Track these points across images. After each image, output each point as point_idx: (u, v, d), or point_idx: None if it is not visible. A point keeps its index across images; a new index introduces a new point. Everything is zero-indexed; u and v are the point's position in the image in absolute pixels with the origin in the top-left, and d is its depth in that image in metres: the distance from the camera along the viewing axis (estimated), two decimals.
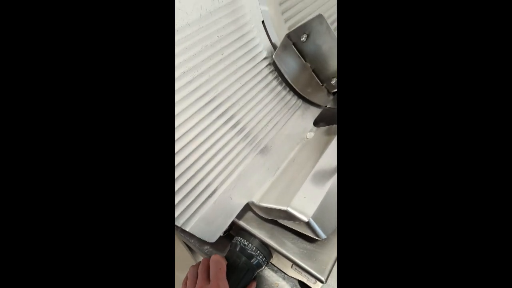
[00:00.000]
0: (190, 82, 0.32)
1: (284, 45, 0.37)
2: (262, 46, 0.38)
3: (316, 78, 0.43)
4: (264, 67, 0.38)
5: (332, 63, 0.40)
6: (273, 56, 0.36)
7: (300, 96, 0.43)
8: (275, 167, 0.39)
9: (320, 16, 0.35)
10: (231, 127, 0.35)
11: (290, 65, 0.39)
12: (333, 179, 0.31)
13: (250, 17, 0.36)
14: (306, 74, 0.42)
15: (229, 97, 0.35)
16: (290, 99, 0.42)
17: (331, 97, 0.45)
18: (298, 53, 0.39)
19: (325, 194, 0.30)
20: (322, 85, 0.43)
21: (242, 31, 0.36)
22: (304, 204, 0.30)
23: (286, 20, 0.39)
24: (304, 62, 0.41)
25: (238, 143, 0.36)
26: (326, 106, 0.45)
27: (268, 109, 0.39)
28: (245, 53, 0.36)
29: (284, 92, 0.41)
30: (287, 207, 0.31)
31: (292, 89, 0.42)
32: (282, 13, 0.38)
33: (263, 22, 0.38)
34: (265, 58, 0.38)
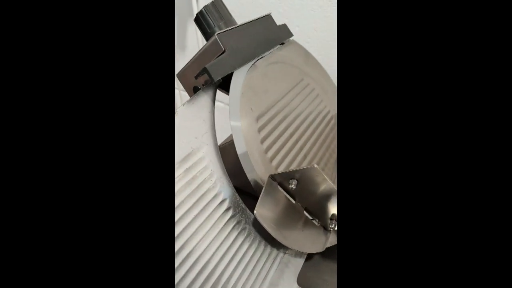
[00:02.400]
0: None
1: (268, 189, 0.32)
2: (228, 202, 0.32)
3: (309, 216, 0.36)
4: (232, 228, 0.31)
5: (330, 204, 0.34)
6: (255, 211, 0.29)
7: (280, 247, 0.35)
8: None
9: (314, 169, 0.30)
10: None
11: (275, 209, 0.32)
12: None
13: (211, 170, 0.31)
14: (296, 216, 0.35)
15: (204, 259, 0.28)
16: (267, 253, 0.34)
17: (328, 236, 0.37)
18: (286, 195, 0.34)
19: None
20: (317, 223, 0.36)
21: (202, 189, 0.30)
22: None
23: (263, 140, 0.34)
24: (294, 202, 0.35)
25: None
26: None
27: (238, 275, 0.31)
28: (209, 215, 0.30)
29: (259, 246, 0.33)
30: None
31: (269, 240, 0.34)
32: (260, 130, 0.34)
33: (221, 148, 0.34)
34: (232, 216, 0.32)
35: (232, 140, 0.33)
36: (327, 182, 0.31)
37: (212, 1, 0.38)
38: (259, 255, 0.32)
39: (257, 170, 0.32)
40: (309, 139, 0.40)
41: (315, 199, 0.34)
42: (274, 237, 0.31)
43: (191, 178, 0.29)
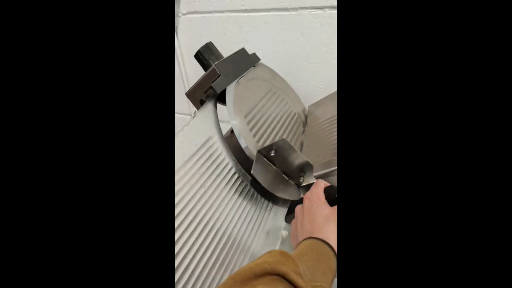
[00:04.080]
0: (180, 216, 0.39)
1: (257, 159, 0.47)
2: (234, 169, 0.50)
3: (286, 177, 0.52)
4: (238, 185, 0.49)
5: (298, 166, 0.50)
6: (252, 171, 0.45)
7: (271, 199, 0.53)
8: None
9: (283, 140, 0.45)
10: (219, 238, 0.42)
11: (264, 173, 0.48)
12: None
13: (220, 150, 0.50)
14: (278, 177, 0.51)
15: (214, 215, 0.43)
16: (263, 204, 0.52)
17: (300, 190, 0.53)
18: (269, 162, 0.49)
19: None
20: (293, 182, 0.53)
21: (217, 162, 0.48)
22: None
23: (251, 128, 0.53)
24: (275, 168, 0.50)
25: (227, 251, 0.43)
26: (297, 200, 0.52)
27: (248, 218, 0.48)
28: (222, 178, 0.47)
29: (257, 200, 0.52)
30: None
31: (264, 194, 0.52)
32: (248, 123, 0.53)
33: (226, 137, 0.52)
34: (238, 178, 0.50)
35: (232, 131, 0.52)
36: (294, 149, 0.46)
37: (206, 44, 0.58)
38: (256, 205, 0.51)
39: (249, 147, 0.50)
40: (281, 126, 0.60)
41: (288, 163, 0.50)
42: (266, 187, 0.47)
43: (211, 153, 0.48)
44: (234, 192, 0.48)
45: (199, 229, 0.40)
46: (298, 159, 0.48)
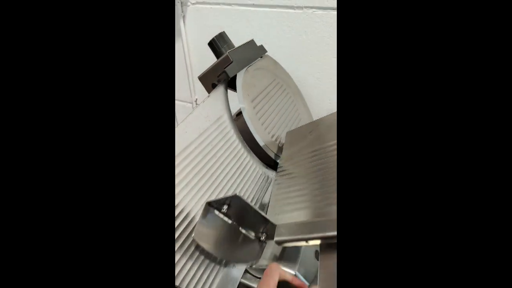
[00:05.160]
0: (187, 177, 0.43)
1: (205, 212, 0.39)
2: (240, 145, 0.55)
3: (244, 232, 0.42)
4: (244, 160, 0.54)
5: (259, 223, 0.40)
6: (194, 232, 0.37)
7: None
8: None
9: (236, 197, 0.37)
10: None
11: (213, 229, 0.39)
12: None
13: (229, 128, 0.55)
14: (233, 232, 0.41)
15: (223, 187, 0.47)
16: (262, 176, 0.56)
17: (264, 245, 0.42)
18: (221, 216, 0.40)
19: None
20: (253, 239, 0.42)
21: (226, 138, 0.53)
22: None
23: (256, 112, 0.58)
24: (229, 222, 0.41)
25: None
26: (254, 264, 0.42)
27: (252, 193, 0.52)
28: (230, 152, 0.52)
29: (257, 173, 0.55)
30: None
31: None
32: (254, 107, 0.59)
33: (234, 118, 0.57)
34: (242, 154, 0.55)
35: (238, 113, 0.57)
36: (250, 205, 0.37)
37: (220, 33, 0.63)
38: (254, 177, 0.57)
39: (253, 125, 0.56)
40: (281, 110, 0.66)
41: (247, 218, 0.41)
42: (212, 253, 0.39)
43: (221, 130, 0.53)
44: (239, 165, 0.54)
45: (206, 185, 0.46)
46: (257, 218, 0.40)
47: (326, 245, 0.33)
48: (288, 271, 0.35)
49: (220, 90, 0.57)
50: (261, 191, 0.56)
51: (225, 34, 0.64)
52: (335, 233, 0.31)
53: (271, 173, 0.58)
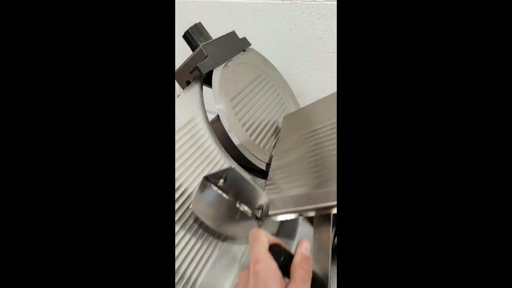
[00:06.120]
0: None
1: (202, 187, 0.38)
2: (216, 151, 0.47)
3: (241, 208, 0.41)
4: (218, 166, 0.47)
5: (255, 200, 0.40)
6: (190, 206, 0.37)
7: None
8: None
9: (232, 170, 0.37)
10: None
11: (211, 203, 0.39)
12: None
13: (204, 131, 0.48)
14: (229, 207, 0.40)
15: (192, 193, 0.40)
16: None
17: (260, 223, 0.42)
18: (219, 191, 0.40)
19: None
20: (249, 215, 0.42)
21: (199, 143, 0.45)
22: None
23: (236, 113, 0.51)
24: (226, 196, 0.40)
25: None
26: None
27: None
28: (203, 159, 0.45)
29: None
30: None
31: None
32: (234, 107, 0.51)
33: (212, 121, 0.50)
34: (219, 160, 0.47)
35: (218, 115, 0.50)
36: (246, 181, 0.38)
37: (195, 24, 0.55)
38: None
39: (232, 128, 0.49)
40: (267, 110, 0.58)
41: (243, 194, 0.40)
42: (211, 227, 0.38)
43: (193, 134, 0.46)
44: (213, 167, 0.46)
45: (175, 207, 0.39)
46: (252, 191, 0.40)
47: (320, 217, 0.34)
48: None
49: (193, 88, 0.50)
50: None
51: (201, 25, 0.56)
52: (328, 203, 0.32)
53: (257, 181, 0.50)
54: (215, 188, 0.39)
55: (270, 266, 0.27)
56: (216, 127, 0.50)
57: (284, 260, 0.27)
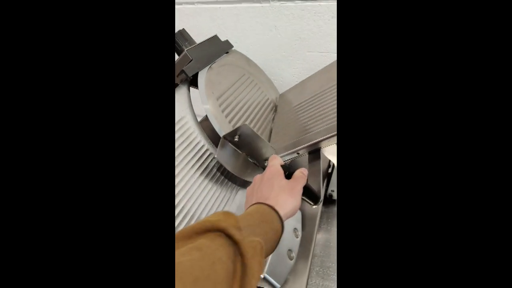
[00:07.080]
0: None
1: (222, 144, 0.47)
2: (206, 146, 0.52)
3: (252, 161, 0.52)
4: (210, 161, 0.52)
5: (262, 150, 0.49)
6: (215, 155, 0.47)
7: (237, 181, 0.54)
8: None
9: (245, 126, 0.45)
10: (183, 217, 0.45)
11: (230, 157, 0.48)
12: None
13: (193, 129, 0.51)
14: (245, 161, 0.51)
15: (185, 194, 0.46)
16: (230, 185, 0.55)
17: None
18: (234, 147, 0.49)
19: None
20: (258, 166, 0.53)
21: (188, 140, 0.49)
22: None
23: (223, 110, 0.55)
24: (240, 152, 0.50)
25: None
26: None
27: (214, 197, 0.51)
28: (194, 155, 0.49)
29: (225, 181, 0.55)
30: None
31: (231, 177, 0.53)
32: (220, 105, 0.55)
33: (201, 121, 0.54)
34: (209, 154, 0.52)
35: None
36: (256, 134, 0.46)
37: (179, 30, 0.59)
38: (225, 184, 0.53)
39: (220, 126, 0.52)
40: (253, 110, 0.61)
41: (253, 148, 0.50)
42: (232, 172, 0.49)
43: (183, 132, 0.49)
44: (205, 168, 0.50)
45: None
46: (260, 143, 0.49)
47: (313, 155, 0.47)
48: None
49: (180, 90, 0.53)
50: (229, 199, 0.52)
51: (185, 31, 0.60)
52: (318, 139, 0.43)
53: None
54: (232, 145, 0.49)
55: (278, 168, 0.42)
56: (205, 125, 0.53)
57: (288, 172, 0.43)
